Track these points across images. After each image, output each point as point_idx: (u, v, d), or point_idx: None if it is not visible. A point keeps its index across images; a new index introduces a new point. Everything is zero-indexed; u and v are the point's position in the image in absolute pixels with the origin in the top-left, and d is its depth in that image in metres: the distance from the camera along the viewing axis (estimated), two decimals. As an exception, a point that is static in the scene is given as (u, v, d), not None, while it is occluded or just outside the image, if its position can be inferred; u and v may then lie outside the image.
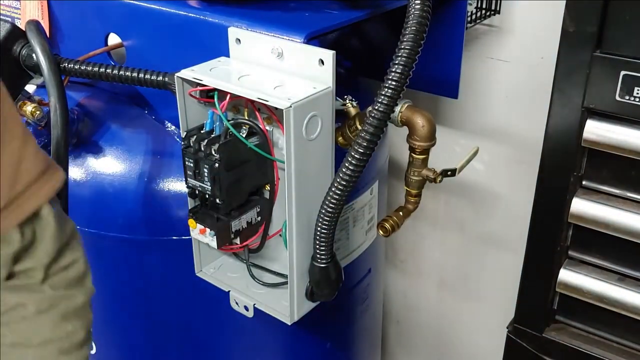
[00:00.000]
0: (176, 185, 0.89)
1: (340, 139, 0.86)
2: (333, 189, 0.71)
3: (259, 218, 0.80)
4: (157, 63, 0.86)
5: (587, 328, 0.95)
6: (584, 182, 0.87)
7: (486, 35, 1.22)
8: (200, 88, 0.75)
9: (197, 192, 0.77)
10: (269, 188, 0.79)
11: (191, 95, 0.76)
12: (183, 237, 0.90)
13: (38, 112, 0.91)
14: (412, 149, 0.84)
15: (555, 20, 0.83)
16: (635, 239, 0.83)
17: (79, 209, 0.91)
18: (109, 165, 0.92)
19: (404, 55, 0.67)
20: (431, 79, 1.03)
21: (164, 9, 0.85)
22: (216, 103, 0.73)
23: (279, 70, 0.75)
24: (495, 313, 1.47)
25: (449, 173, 0.85)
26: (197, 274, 0.87)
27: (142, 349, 1.03)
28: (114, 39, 0.95)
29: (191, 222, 0.78)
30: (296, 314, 0.80)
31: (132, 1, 0.88)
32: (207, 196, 0.76)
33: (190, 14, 0.83)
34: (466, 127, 1.33)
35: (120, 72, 0.82)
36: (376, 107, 0.68)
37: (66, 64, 0.84)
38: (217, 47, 0.80)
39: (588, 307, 0.91)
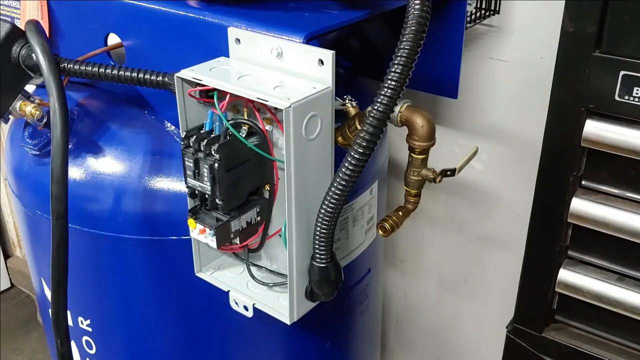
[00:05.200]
0: (176, 185, 0.90)
1: (340, 139, 0.86)
2: (333, 189, 0.71)
3: (259, 218, 0.80)
4: (156, 63, 0.86)
5: (587, 328, 0.95)
6: (583, 182, 0.87)
7: (486, 35, 1.22)
8: (200, 88, 0.75)
9: (196, 192, 0.77)
10: (268, 188, 0.79)
11: (191, 95, 0.76)
12: (183, 237, 0.90)
13: (38, 112, 0.92)
14: (411, 149, 0.84)
15: (555, 20, 0.83)
16: (635, 238, 0.83)
17: (79, 209, 0.91)
18: (108, 165, 0.92)
19: (404, 55, 0.67)
20: (431, 79, 1.03)
21: (163, 9, 0.85)
22: (216, 103, 0.73)
23: (278, 70, 0.75)
24: (495, 313, 1.47)
25: (448, 173, 0.85)
26: (196, 274, 0.87)
27: (141, 348, 1.03)
28: (113, 39, 0.95)
29: (191, 222, 0.78)
30: (296, 314, 0.80)
31: (132, 1, 0.88)
32: (206, 196, 0.76)
33: (190, 14, 0.83)
34: (466, 127, 1.33)
35: (120, 72, 0.82)
36: (376, 107, 0.68)
37: (66, 64, 0.84)
38: (217, 47, 0.81)
39: (588, 306, 0.91)
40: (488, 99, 1.27)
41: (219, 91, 0.73)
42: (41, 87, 1.00)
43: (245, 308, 0.83)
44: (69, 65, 0.84)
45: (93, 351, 1.05)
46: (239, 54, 0.79)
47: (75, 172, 0.92)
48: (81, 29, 0.97)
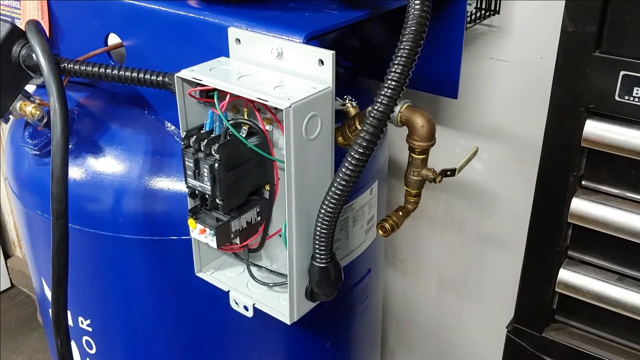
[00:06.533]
0: (176, 185, 0.90)
1: (340, 139, 0.86)
2: (333, 189, 0.71)
3: (259, 218, 0.80)
4: (157, 63, 0.86)
5: (587, 328, 0.95)
6: (583, 182, 0.87)
7: (486, 35, 1.22)
8: (200, 88, 0.75)
9: (197, 192, 0.77)
10: (268, 188, 0.79)
11: (191, 96, 0.76)
12: (183, 237, 0.90)
13: (38, 112, 0.92)
14: (411, 149, 0.84)
15: (555, 20, 0.83)
16: (635, 238, 0.83)
17: (79, 209, 0.91)
18: (109, 165, 0.92)
19: (404, 55, 0.67)
20: (431, 79, 1.03)
21: (164, 9, 0.85)
22: (216, 103, 0.73)
23: (278, 70, 0.76)
24: (495, 313, 1.47)
25: (448, 173, 0.85)
26: (197, 274, 0.87)
27: (141, 348, 1.03)
28: (114, 39, 0.95)
29: (191, 222, 0.78)
30: (296, 314, 0.80)
31: (132, 1, 0.88)
32: (207, 196, 0.76)
33: (190, 14, 0.83)
34: (466, 127, 1.33)
35: (120, 72, 0.82)
36: (376, 107, 0.68)
37: (66, 64, 0.84)
38: (217, 47, 0.81)
39: (588, 307, 0.91)
40: (488, 99, 1.27)
41: (219, 91, 0.73)
42: (41, 87, 1.00)
43: (246, 308, 0.83)
44: (69, 65, 0.84)
45: (93, 351, 1.05)
46: (239, 54, 0.79)
47: (75, 172, 0.92)
48: (81, 29, 0.97)
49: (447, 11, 0.98)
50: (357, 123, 0.84)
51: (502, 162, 1.31)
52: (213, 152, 0.72)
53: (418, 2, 0.68)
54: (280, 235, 0.81)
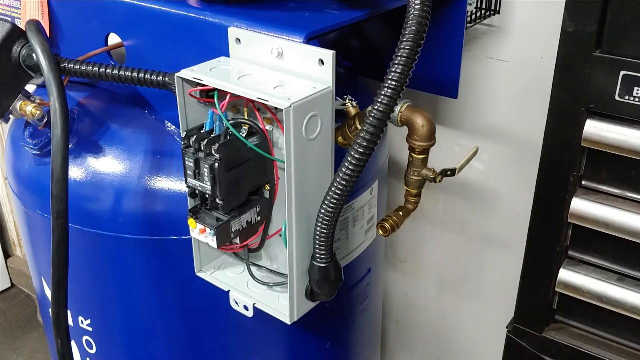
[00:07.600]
0: (176, 185, 0.90)
1: (340, 139, 0.86)
2: (333, 189, 0.71)
3: (259, 218, 0.80)
4: (157, 63, 0.86)
5: (587, 328, 0.95)
6: (583, 182, 0.87)
7: (486, 35, 1.22)
8: (201, 88, 0.75)
9: (197, 192, 0.77)
10: (269, 188, 0.79)
11: (191, 95, 0.76)
12: (183, 237, 0.90)
13: (38, 112, 0.92)
14: (412, 149, 0.84)
15: (555, 20, 0.83)
16: (635, 238, 0.83)
17: (79, 209, 0.91)
18: (109, 165, 0.92)
19: (404, 55, 0.67)
20: (431, 79, 1.03)
21: (164, 9, 0.86)
22: (216, 103, 0.73)
23: (279, 70, 0.76)
24: (495, 313, 1.47)
25: (448, 173, 0.85)
26: (197, 274, 0.87)
27: (142, 347, 1.03)
28: (114, 39, 0.95)
29: (191, 222, 0.78)
30: (296, 314, 0.80)
31: (132, 1, 0.88)
32: (207, 196, 0.76)
33: (190, 14, 0.83)
34: (466, 127, 1.33)
35: (120, 72, 0.82)
36: (376, 107, 0.68)
37: (66, 64, 0.84)
38: (217, 47, 0.81)
39: (588, 307, 0.91)
40: (488, 99, 1.27)
41: (220, 91, 0.73)
42: (42, 87, 1.00)
43: (246, 308, 0.83)
44: (70, 65, 0.84)
45: (93, 351, 1.05)
46: (239, 54, 0.79)
47: (75, 172, 0.92)
48: (82, 29, 0.97)
49: (447, 11, 0.98)
50: (357, 123, 0.84)
51: (502, 162, 1.31)
52: (213, 152, 0.72)
53: (418, 2, 0.68)
54: (280, 235, 0.81)
